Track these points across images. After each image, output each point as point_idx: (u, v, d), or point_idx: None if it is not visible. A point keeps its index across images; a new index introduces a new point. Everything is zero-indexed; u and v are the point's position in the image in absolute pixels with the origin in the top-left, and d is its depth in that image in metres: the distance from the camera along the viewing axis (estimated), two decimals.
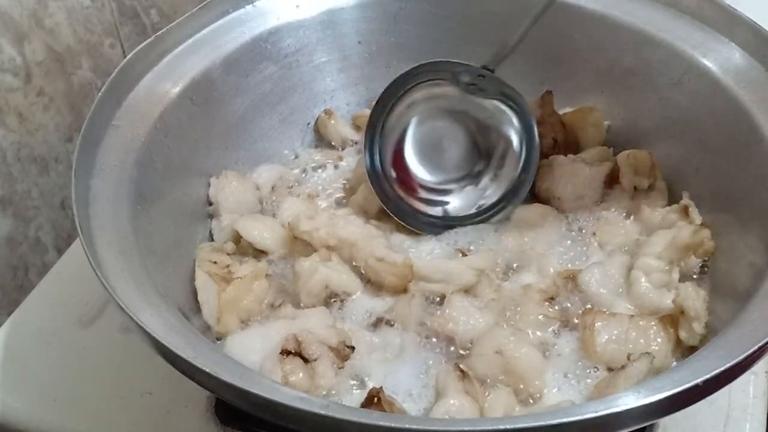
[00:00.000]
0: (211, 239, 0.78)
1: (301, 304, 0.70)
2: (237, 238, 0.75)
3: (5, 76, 0.88)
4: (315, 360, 0.63)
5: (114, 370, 0.72)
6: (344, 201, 0.82)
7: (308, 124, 0.89)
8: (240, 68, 0.81)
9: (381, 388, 0.59)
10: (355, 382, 0.64)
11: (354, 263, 0.72)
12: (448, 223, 0.78)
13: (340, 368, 0.64)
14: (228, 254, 0.74)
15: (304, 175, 0.85)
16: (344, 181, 0.84)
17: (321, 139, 0.89)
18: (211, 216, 0.78)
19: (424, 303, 0.70)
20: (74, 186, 0.62)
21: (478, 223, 0.78)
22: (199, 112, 0.77)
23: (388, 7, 0.87)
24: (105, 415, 0.68)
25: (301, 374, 0.62)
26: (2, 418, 0.69)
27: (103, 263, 0.58)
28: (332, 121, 0.88)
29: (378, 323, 0.69)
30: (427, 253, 0.75)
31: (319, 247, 0.71)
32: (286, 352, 0.63)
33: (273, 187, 0.82)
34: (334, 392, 0.63)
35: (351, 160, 0.86)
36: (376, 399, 0.59)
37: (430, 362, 0.66)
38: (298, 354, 0.63)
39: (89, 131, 0.66)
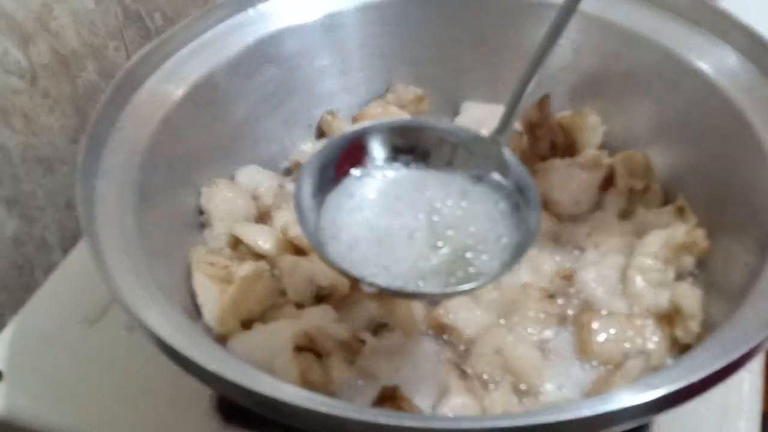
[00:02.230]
0: None
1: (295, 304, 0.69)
2: (234, 244, 0.74)
3: (11, 78, 0.89)
4: (328, 355, 0.62)
5: (119, 368, 0.72)
6: None
7: (310, 125, 0.89)
8: (243, 71, 0.81)
9: (396, 386, 0.59)
10: (363, 382, 0.64)
11: None
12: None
13: (351, 363, 0.64)
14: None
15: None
16: None
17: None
18: (203, 225, 0.77)
19: (422, 308, 0.69)
20: (79, 187, 0.62)
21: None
22: (203, 114, 0.77)
23: (390, 11, 0.87)
24: (110, 413, 0.69)
25: (317, 370, 0.61)
26: (8, 415, 0.70)
27: (108, 263, 0.59)
28: (335, 122, 0.88)
29: (379, 329, 0.68)
30: None
31: (309, 253, 0.71)
32: (299, 348, 0.61)
33: (263, 194, 0.80)
34: (348, 390, 0.63)
35: None
36: (389, 397, 0.59)
37: (435, 360, 0.66)
38: (311, 350, 0.62)
39: (94, 133, 0.66)
